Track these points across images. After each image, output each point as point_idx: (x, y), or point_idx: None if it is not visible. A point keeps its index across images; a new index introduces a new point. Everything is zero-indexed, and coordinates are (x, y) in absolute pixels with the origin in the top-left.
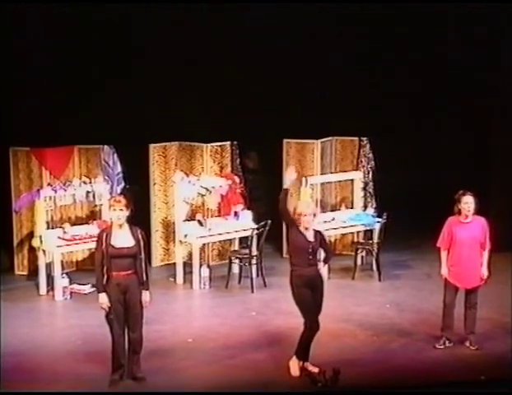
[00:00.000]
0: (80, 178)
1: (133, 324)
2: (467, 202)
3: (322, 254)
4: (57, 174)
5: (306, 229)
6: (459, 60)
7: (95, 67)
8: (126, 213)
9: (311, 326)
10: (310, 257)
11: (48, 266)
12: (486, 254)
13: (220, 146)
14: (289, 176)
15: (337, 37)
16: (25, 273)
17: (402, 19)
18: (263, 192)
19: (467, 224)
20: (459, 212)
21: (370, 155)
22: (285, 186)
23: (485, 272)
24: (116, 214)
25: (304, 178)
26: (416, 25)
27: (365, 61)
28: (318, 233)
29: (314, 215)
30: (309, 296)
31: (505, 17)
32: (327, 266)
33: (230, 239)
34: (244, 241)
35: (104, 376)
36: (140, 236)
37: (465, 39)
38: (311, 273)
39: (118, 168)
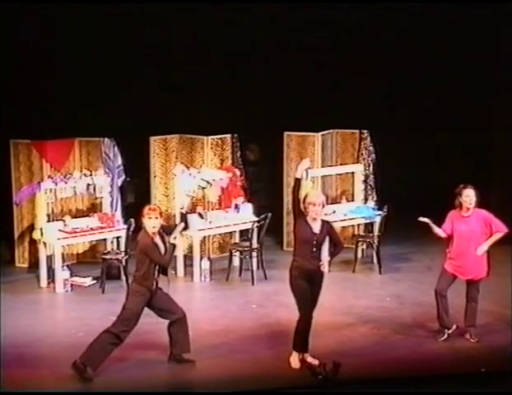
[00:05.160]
0: (80, 171)
1: (173, 308)
2: (468, 195)
3: (327, 248)
4: (57, 167)
5: (314, 219)
6: (460, 56)
7: (95, 60)
8: (160, 221)
9: (305, 317)
10: (314, 249)
11: (49, 258)
12: (496, 235)
13: (220, 138)
14: (302, 166)
15: (339, 30)
16: (25, 265)
17: (404, 15)
18: (264, 184)
19: (467, 218)
20: (460, 206)
21: (371, 148)
22: (296, 175)
23: (483, 248)
24: (151, 222)
25: (305, 172)
26: (417, 22)
27: (365, 54)
28: (325, 223)
29: (323, 205)
30: (305, 288)
31: (505, 16)
32: (327, 262)
33: (231, 232)
34: (245, 234)
35: (105, 368)
36: (168, 244)
37: (466, 37)
38: (312, 267)
39: (119, 160)
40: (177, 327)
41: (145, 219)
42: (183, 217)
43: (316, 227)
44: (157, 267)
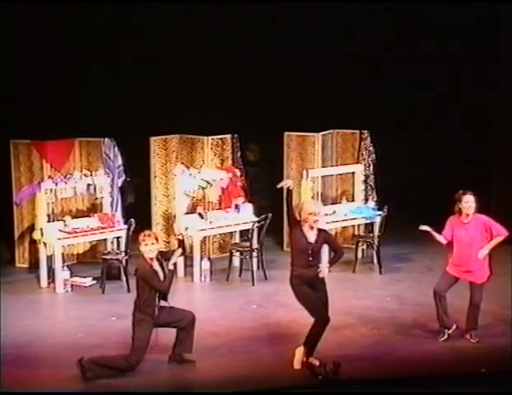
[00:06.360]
0: (81, 171)
1: (179, 316)
2: (468, 201)
3: (327, 255)
4: (58, 167)
5: (310, 229)
6: (460, 58)
7: (95, 60)
8: (157, 246)
9: (321, 320)
10: (310, 258)
11: (49, 258)
12: (497, 239)
13: (220, 138)
14: (288, 182)
15: (339, 30)
16: (26, 266)
17: (404, 15)
18: (264, 185)
19: (466, 224)
20: (460, 212)
21: (371, 148)
22: (289, 187)
23: (483, 252)
24: (148, 248)
25: (305, 172)
26: (417, 22)
27: (366, 54)
28: (321, 232)
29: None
30: (310, 293)
31: (505, 16)
32: (327, 269)
33: (231, 232)
34: (245, 234)
35: None
36: (167, 271)
37: (466, 37)
38: (310, 274)
39: (119, 161)
40: (186, 328)
41: (141, 246)
42: (181, 243)
43: (311, 236)
44: (158, 293)
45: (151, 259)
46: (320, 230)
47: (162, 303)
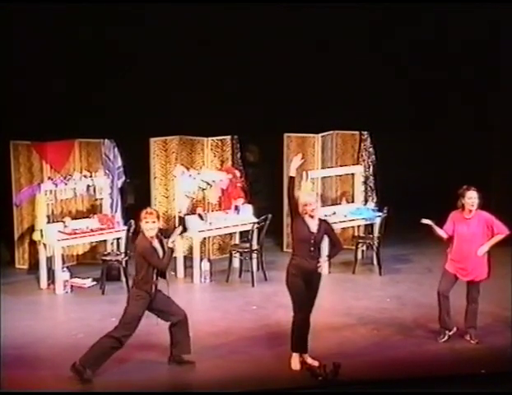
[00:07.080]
0: (80, 172)
1: (173, 310)
2: (471, 197)
3: (327, 248)
4: (57, 168)
5: (311, 218)
6: (460, 57)
7: (95, 61)
8: (157, 225)
9: (301, 316)
10: (312, 248)
11: (49, 259)
12: (498, 237)
13: (220, 140)
14: (294, 164)
15: (339, 30)
16: (25, 267)
17: (403, 15)
18: (264, 186)
19: (468, 220)
20: (463, 207)
21: (371, 150)
22: (290, 174)
23: (483, 249)
24: (149, 226)
25: (304, 173)
26: (417, 22)
27: (366, 54)
28: (323, 222)
29: (317, 202)
30: (302, 287)
31: (505, 16)
32: (327, 263)
33: (231, 233)
34: (245, 235)
35: (105, 370)
36: (166, 248)
37: (466, 37)
38: (310, 267)
39: (119, 162)
40: (178, 328)
41: (142, 223)
42: (182, 221)
43: (313, 226)
44: (156, 271)
45: (151, 237)
46: (322, 220)
47: (161, 287)
